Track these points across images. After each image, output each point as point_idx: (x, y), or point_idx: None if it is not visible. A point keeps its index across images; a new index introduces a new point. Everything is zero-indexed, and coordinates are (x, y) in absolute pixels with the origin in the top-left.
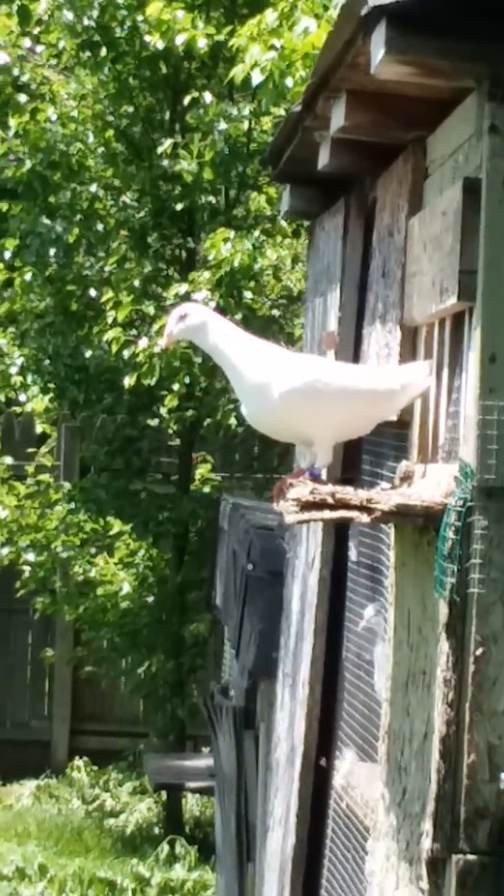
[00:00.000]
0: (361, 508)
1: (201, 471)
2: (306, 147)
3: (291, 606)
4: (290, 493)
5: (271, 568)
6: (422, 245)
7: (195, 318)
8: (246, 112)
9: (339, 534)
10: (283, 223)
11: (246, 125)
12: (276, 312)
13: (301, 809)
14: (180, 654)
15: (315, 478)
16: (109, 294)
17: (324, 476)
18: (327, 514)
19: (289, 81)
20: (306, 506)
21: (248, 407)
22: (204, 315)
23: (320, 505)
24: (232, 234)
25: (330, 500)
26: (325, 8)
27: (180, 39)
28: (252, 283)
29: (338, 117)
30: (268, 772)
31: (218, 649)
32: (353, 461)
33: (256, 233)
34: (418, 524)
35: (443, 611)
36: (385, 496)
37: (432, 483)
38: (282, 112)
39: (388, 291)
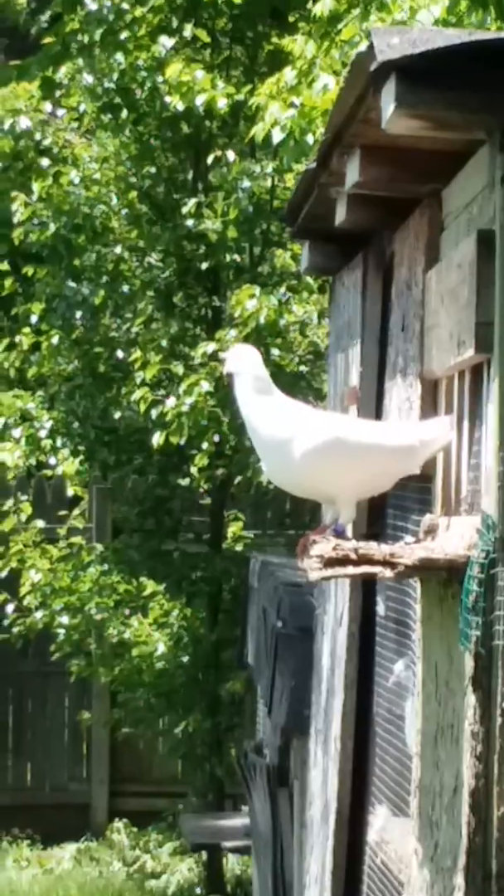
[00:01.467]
0: (385, 563)
1: (233, 529)
2: (323, 203)
3: (322, 662)
4: (314, 549)
5: (301, 624)
6: (439, 298)
7: (229, 366)
8: (269, 169)
9: (366, 588)
10: (309, 279)
11: (269, 182)
12: (303, 368)
13: (336, 866)
14: (217, 713)
15: (338, 534)
16: (137, 354)
17: (348, 532)
18: (351, 570)
19: (309, 138)
20: (330, 562)
21: (268, 465)
22: (236, 365)
23: (344, 561)
24: (257, 290)
25: (353, 556)
26: (344, 65)
27: (200, 100)
28: (279, 340)
29: (352, 173)
30: (303, 829)
31: (253, 707)
32: (378, 515)
33: (282, 289)
34: (442, 577)
35: (468, 664)
36: (408, 550)
37: (455, 536)
38: (303, 168)
39: (407, 345)
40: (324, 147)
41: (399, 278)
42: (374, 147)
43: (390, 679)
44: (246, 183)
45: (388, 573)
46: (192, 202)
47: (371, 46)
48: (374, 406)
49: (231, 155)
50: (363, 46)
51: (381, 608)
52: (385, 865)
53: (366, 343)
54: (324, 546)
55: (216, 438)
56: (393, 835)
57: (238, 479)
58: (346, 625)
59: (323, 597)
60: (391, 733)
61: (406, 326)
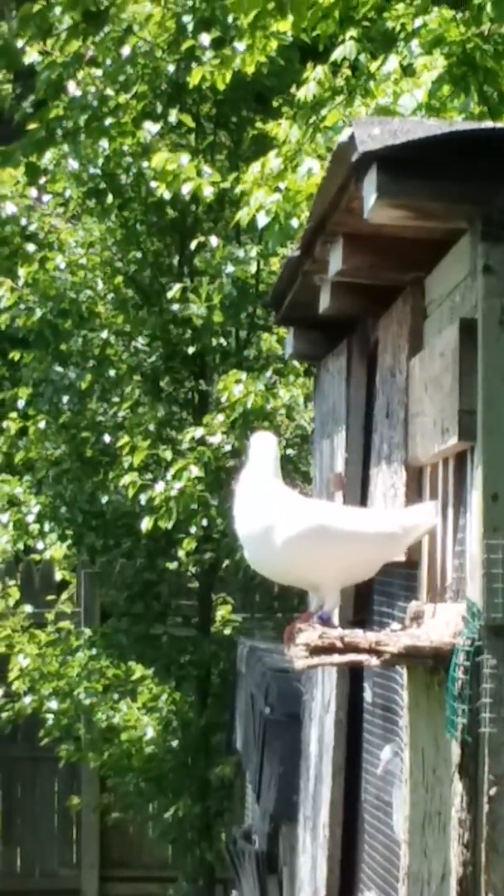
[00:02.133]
0: (370, 651)
1: (222, 612)
2: (307, 290)
3: (309, 749)
4: (300, 637)
5: (289, 711)
6: (423, 385)
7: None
8: (253, 254)
9: (353, 675)
10: (296, 363)
11: (254, 267)
12: (290, 452)
13: None
14: (207, 798)
15: (324, 621)
16: (125, 439)
17: (334, 619)
18: (336, 658)
19: (294, 222)
20: (315, 650)
21: (250, 552)
22: (251, 452)
23: (329, 649)
24: (244, 375)
25: (339, 644)
26: (328, 149)
27: (186, 189)
28: (266, 423)
29: (335, 261)
30: None
31: (243, 792)
32: (365, 602)
33: (268, 373)
34: (428, 665)
35: (455, 751)
36: (394, 638)
37: (441, 623)
38: (288, 253)
39: (392, 432)
40: (307, 235)
41: (383, 365)
42: (356, 235)
43: (379, 766)
44: (230, 268)
45: (374, 661)
46: (177, 287)
47: (352, 137)
48: (359, 492)
49: (215, 240)
50: (346, 133)
51: (368, 695)
52: None
53: (351, 429)
54: (310, 634)
55: (204, 522)
56: None
57: (226, 562)
58: (334, 712)
59: (310, 683)
60: (379, 820)
61: (391, 413)
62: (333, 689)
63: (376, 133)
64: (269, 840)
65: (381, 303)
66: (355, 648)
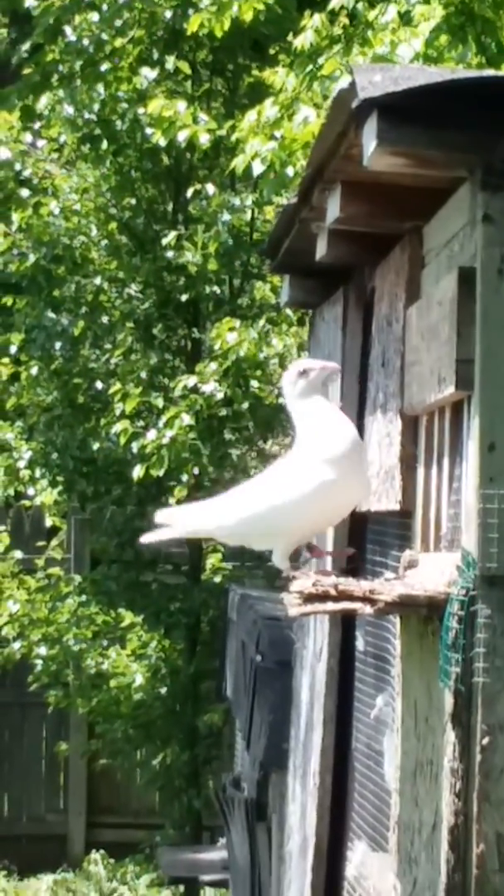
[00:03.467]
0: (364, 600)
1: (212, 560)
2: (304, 238)
3: (301, 697)
4: (293, 585)
5: (280, 658)
6: (420, 335)
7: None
8: (248, 202)
9: (346, 624)
10: (289, 312)
11: (249, 215)
12: (283, 401)
13: None
14: (195, 745)
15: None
16: (117, 386)
17: (328, 566)
18: (330, 605)
19: (289, 170)
20: (309, 598)
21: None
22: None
23: (323, 597)
24: (237, 323)
25: (333, 592)
26: (325, 98)
27: (182, 136)
28: (258, 372)
29: (333, 209)
30: (281, 864)
31: (232, 739)
32: (358, 551)
33: (262, 322)
34: (422, 614)
35: (448, 700)
36: (388, 587)
37: (435, 572)
38: (284, 201)
39: (387, 381)
40: (305, 182)
41: (380, 314)
42: (355, 183)
43: (372, 714)
44: (226, 216)
45: (368, 610)
46: (172, 234)
47: (353, 84)
48: None
49: (211, 188)
50: (344, 81)
51: (360, 643)
52: None
53: (346, 377)
54: (304, 582)
55: (195, 471)
56: (371, 870)
57: None
58: (326, 660)
59: (302, 631)
60: (370, 769)
61: (386, 362)
62: (325, 637)
63: (377, 80)
64: (258, 788)
65: (378, 251)
66: (349, 596)
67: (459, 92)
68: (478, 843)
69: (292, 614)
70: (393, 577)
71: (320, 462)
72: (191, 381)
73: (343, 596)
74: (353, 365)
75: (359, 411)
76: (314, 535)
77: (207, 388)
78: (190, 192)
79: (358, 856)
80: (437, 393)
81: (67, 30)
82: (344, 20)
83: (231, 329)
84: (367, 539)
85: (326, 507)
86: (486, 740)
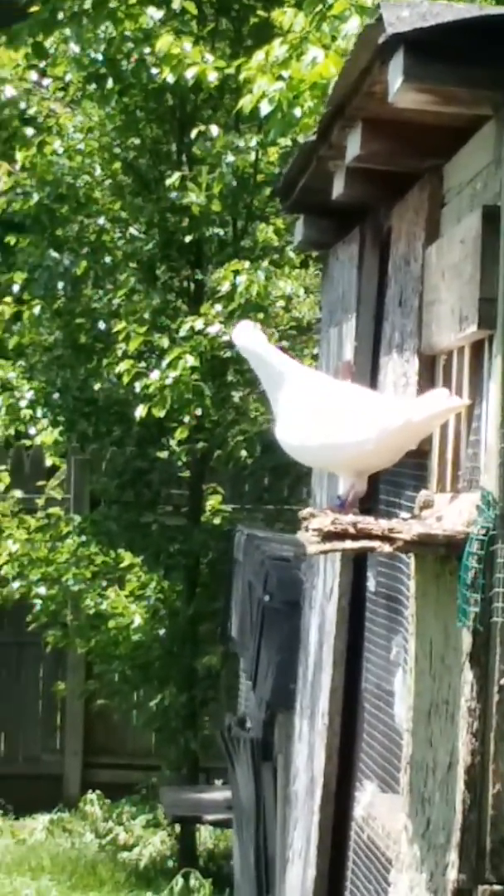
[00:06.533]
0: (383, 538)
1: (212, 502)
2: (320, 177)
3: (309, 637)
4: (312, 523)
5: (288, 599)
6: (440, 273)
7: (238, 342)
8: (253, 143)
9: (357, 564)
10: (291, 254)
11: (253, 156)
12: (285, 343)
13: (321, 842)
14: (192, 687)
15: (339, 507)
16: (121, 325)
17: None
18: (349, 544)
19: (297, 111)
20: (328, 536)
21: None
22: (242, 342)
23: (342, 535)
24: (246, 264)
25: (351, 531)
26: (334, 38)
27: (190, 73)
28: (261, 315)
29: (353, 146)
30: (286, 804)
31: (230, 681)
32: (372, 490)
33: (265, 263)
34: (440, 553)
35: (466, 640)
36: (406, 526)
37: (454, 512)
38: (289, 143)
39: (405, 321)
40: (324, 120)
41: (397, 253)
42: (376, 121)
43: (392, 653)
44: (230, 157)
45: (387, 548)
46: (176, 175)
47: (380, 18)
48: (368, 381)
49: (215, 129)
50: (354, 21)
51: (371, 583)
52: (372, 841)
53: (361, 317)
54: (322, 520)
55: (198, 412)
56: (380, 811)
57: (217, 452)
58: (336, 600)
59: (311, 571)
60: (380, 709)
61: (403, 301)
62: (336, 577)
63: (405, 15)
64: (264, 728)
65: (396, 191)
66: (368, 535)
67: (487, 29)
68: (494, 783)
69: (311, 552)
70: (408, 517)
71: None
72: (198, 322)
73: (362, 534)
74: (368, 304)
75: (374, 351)
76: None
77: (213, 329)
78: (194, 133)
79: (367, 796)
80: (458, 332)
81: None
82: None
83: (237, 271)
84: (380, 479)
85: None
86: (503, 680)
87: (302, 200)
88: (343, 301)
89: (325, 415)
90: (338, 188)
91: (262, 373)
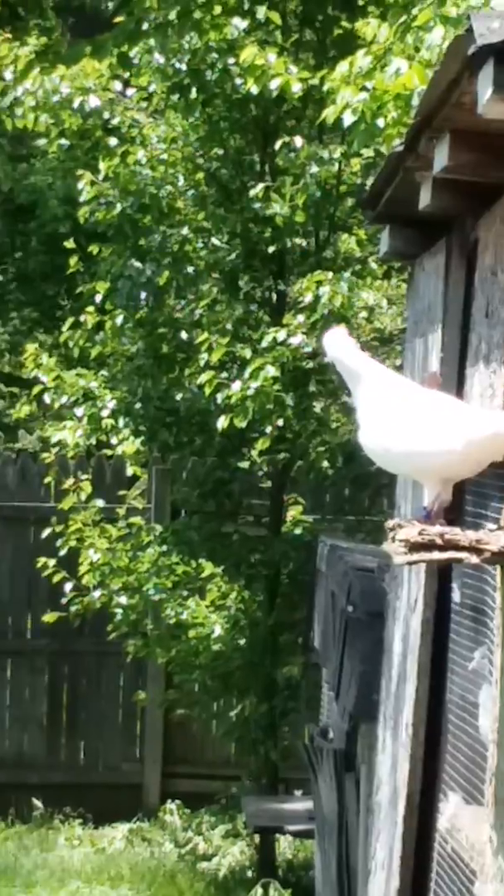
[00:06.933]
0: (470, 549)
1: (293, 513)
2: (407, 188)
3: (393, 648)
4: (399, 534)
5: (371, 609)
6: None
7: (328, 352)
8: (336, 154)
9: (441, 575)
10: (373, 265)
11: (336, 167)
12: (367, 354)
13: (405, 853)
14: (272, 697)
15: (425, 518)
16: (204, 336)
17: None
18: (436, 555)
19: (380, 122)
20: (415, 547)
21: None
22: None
23: (429, 546)
24: (330, 275)
25: (438, 542)
26: (417, 49)
27: (274, 84)
28: (344, 326)
29: (440, 157)
30: (369, 815)
31: (310, 692)
32: (456, 502)
33: (347, 274)
34: None
35: None
36: (494, 537)
37: None
38: (371, 153)
39: (491, 332)
40: (412, 130)
41: (483, 264)
42: (464, 132)
43: (470, 665)
44: (314, 168)
45: (474, 559)
46: (259, 186)
47: (470, 29)
48: (454, 392)
49: (299, 140)
50: (438, 32)
51: (456, 595)
52: (456, 853)
53: (447, 328)
54: (409, 531)
55: (279, 422)
56: (465, 822)
57: (299, 463)
58: (420, 611)
59: (395, 583)
60: (465, 721)
61: (491, 313)
62: (421, 588)
63: (495, 27)
64: (347, 738)
65: (483, 202)
66: (455, 546)
67: None
68: None
69: (398, 563)
70: (495, 528)
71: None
72: (280, 333)
73: (449, 545)
74: (454, 315)
75: (460, 362)
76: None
77: (295, 340)
78: (278, 144)
79: (451, 808)
80: None
81: None
82: None
83: (320, 282)
84: (465, 490)
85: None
86: None
87: (388, 211)
88: (429, 312)
89: (411, 422)
90: (424, 199)
91: (348, 378)
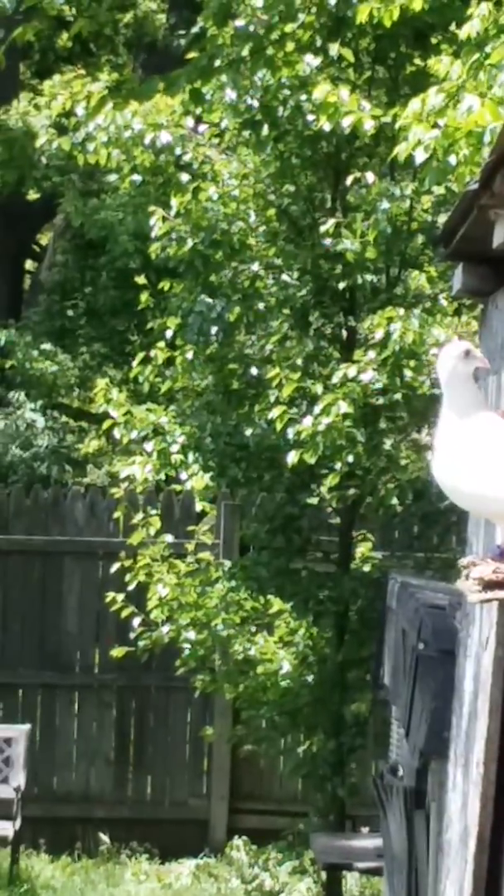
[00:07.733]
0: None
1: (362, 549)
2: (481, 225)
3: (464, 686)
4: (473, 572)
5: (442, 647)
6: None
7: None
8: (408, 191)
9: None
10: (444, 302)
11: (408, 204)
12: (436, 391)
13: (475, 891)
14: (340, 734)
15: (499, 557)
16: (274, 371)
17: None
18: None
19: (452, 159)
20: (489, 585)
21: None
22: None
23: (503, 584)
24: (401, 311)
25: None
26: (490, 87)
27: (347, 122)
28: (412, 362)
29: None
30: (439, 852)
31: (378, 729)
32: None
33: (417, 311)
34: None
35: None
36: None
37: None
38: (443, 191)
39: None
40: (487, 168)
41: None
42: None
43: None
44: (385, 204)
45: None
46: (331, 222)
47: None
48: None
49: (370, 176)
50: None
51: None
52: None
53: None
54: (483, 569)
55: (350, 459)
56: None
57: (368, 499)
58: (492, 649)
59: (467, 620)
60: None
61: None
62: (493, 626)
63: None
64: (417, 775)
65: None
66: None
67: None
68: None
69: (472, 601)
70: None
71: None
72: (351, 370)
73: None
74: None
75: None
76: None
77: (366, 376)
78: (349, 180)
79: None
80: None
81: (236, 18)
82: None
83: (390, 319)
84: None
85: None
86: None
87: (461, 249)
88: (502, 350)
89: (481, 462)
90: (499, 237)
91: (446, 400)
